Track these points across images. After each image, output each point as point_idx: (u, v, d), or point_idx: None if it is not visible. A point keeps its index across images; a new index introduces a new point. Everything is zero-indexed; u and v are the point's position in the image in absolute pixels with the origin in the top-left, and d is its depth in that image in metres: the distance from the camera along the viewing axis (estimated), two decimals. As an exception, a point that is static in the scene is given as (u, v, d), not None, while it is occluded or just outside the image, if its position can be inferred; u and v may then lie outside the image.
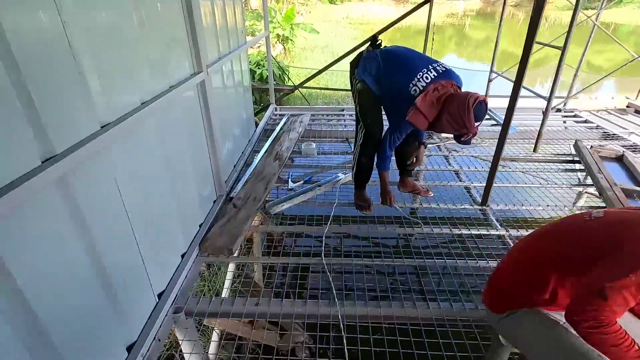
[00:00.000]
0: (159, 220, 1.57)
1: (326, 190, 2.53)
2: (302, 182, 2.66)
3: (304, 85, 4.95)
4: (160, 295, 1.59)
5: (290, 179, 2.67)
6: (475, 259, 1.87)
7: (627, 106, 4.29)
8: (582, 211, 1.19)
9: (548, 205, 2.35)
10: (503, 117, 3.93)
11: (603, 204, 2.32)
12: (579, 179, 2.93)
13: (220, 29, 2.45)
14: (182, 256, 1.83)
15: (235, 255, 1.93)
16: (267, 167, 2.68)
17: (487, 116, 4.16)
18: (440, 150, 3.22)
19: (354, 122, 2.21)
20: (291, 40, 10.99)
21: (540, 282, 1.11)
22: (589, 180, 2.70)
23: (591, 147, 2.98)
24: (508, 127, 2.06)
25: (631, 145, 3.29)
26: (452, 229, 2.11)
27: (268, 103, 4.45)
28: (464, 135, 1.73)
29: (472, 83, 6.20)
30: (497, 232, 2.10)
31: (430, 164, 2.92)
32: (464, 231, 2.10)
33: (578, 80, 4.18)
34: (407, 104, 1.75)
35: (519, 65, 1.88)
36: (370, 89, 1.97)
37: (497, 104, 4.54)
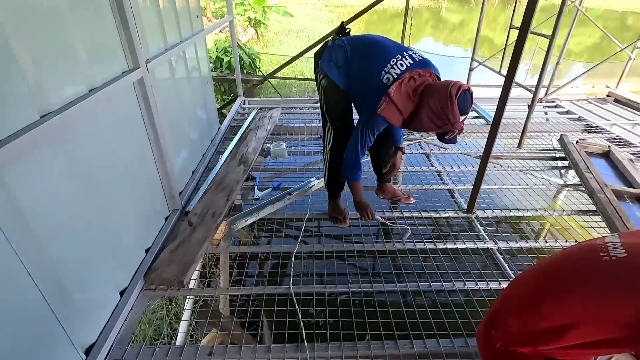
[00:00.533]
0: (83, 253, 1.26)
1: (298, 199, 2.26)
2: (269, 190, 2.38)
3: (275, 75, 4.58)
4: (88, 351, 1.29)
5: (256, 187, 2.38)
6: (462, 280, 1.66)
7: (607, 95, 4.20)
8: (594, 239, 0.97)
9: (537, 211, 2.18)
10: (485, 108, 3.78)
11: (593, 207, 2.17)
12: (560, 174, 2.79)
13: (167, 15, 2.08)
14: (122, 293, 1.52)
15: (190, 286, 1.65)
16: (230, 174, 2.37)
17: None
18: (421, 147, 3.00)
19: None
20: (264, 24, 10.44)
21: (552, 333, 0.91)
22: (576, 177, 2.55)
23: (577, 142, 2.83)
24: (498, 127, 1.83)
25: (614, 138, 3.18)
26: (437, 243, 1.90)
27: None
28: (448, 133, 1.47)
29: (451, 71, 6.01)
30: (485, 245, 1.91)
31: (411, 165, 2.69)
32: (449, 245, 1.89)
33: (560, 69, 4.04)
34: (378, 94, 1.50)
35: (511, 59, 1.64)
36: (337, 85, 1.69)
37: (479, 93, 4.37)
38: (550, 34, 2.56)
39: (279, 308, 1.53)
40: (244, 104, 3.98)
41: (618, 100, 4.10)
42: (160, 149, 1.85)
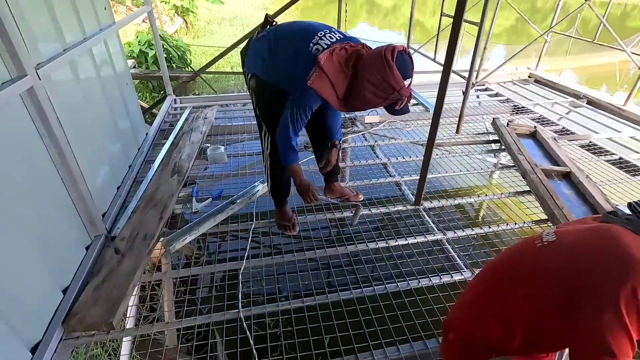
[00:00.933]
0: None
1: (242, 207, 2.09)
2: (210, 200, 2.18)
3: (207, 69, 4.25)
4: None
5: (194, 198, 2.16)
6: (416, 278, 1.65)
7: (529, 76, 4.52)
8: (532, 235, 0.98)
9: (479, 196, 2.25)
10: (422, 94, 3.86)
11: (527, 187, 2.29)
12: (495, 156, 2.94)
13: (62, 10, 1.75)
14: (34, 349, 1.27)
15: (122, 326, 1.44)
16: (162, 187, 2.12)
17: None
18: (365, 139, 2.96)
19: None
20: (192, 12, 9.74)
21: (505, 327, 0.90)
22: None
23: (507, 124, 2.98)
24: (439, 115, 1.82)
25: (539, 118, 3.41)
26: (389, 241, 1.87)
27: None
28: (397, 103, 1.36)
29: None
30: (435, 237, 1.92)
31: (357, 159, 2.64)
32: (401, 241, 1.87)
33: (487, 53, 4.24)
34: (307, 65, 1.35)
35: (447, 49, 1.62)
36: (266, 81, 1.55)
37: (416, 79, 4.45)
38: (479, 20, 2.62)
39: (228, 338, 1.39)
40: (175, 103, 3.64)
41: (538, 81, 4.43)
42: (68, 168, 1.57)
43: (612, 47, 3.82)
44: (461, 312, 1.04)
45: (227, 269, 1.71)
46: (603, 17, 3.66)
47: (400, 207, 2.13)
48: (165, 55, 4.43)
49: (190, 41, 8.34)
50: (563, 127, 3.18)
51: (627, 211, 0.82)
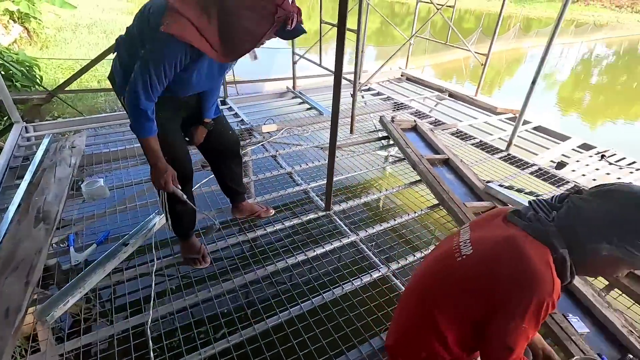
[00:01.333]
0: None
1: (137, 247, 1.81)
2: (94, 246, 1.83)
3: (67, 87, 3.57)
4: None
5: (71, 248, 1.78)
6: (340, 285, 1.66)
7: (402, 75, 5.06)
8: (451, 237, 1.05)
9: (381, 192, 2.40)
10: (314, 98, 3.97)
11: (418, 177, 2.54)
12: (387, 151, 3.20)
13: None
14: None
15: None
16: (24, 242, 1.69)
17: (299, 99, 4.12)
18: (266, 150, 2.89)
19: None
20: (35, 18, 8.14)
21: (442, 342, 0.94)
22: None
23: (392, 120, 3.27)
24: (337, 120, 1.86)
25: (415, 112, 3.84)
26: (307, 252, 1.84)
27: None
28: (287, 22, 1.15)
29: (275, 64, 6.10)
30: (350, 240, 1.97)
31: (260, 171, 2.56)
32: (319, 250, 1.87)
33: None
34: (156, 15, 1.13)
35: (336, 55, 1.66)
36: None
37: (304, 84, 4.56)
38: (356, 27, 2.79)
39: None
40: (26, 132, 2.97)
41: (409, 79, 5.00)
42: None
43: (459, 47, 4.54)
44: (402, 335, 1.05)
45: (131, 325, 1.45)
46: (450, 21, 4.32)
47: (312, 215, 2.13)
48: (2, 73, 3.58)
49: (37, 53, 6.97)
50: (435, 119, 3.64)
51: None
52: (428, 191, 2.40)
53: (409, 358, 1.02)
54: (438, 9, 4.11)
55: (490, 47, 3.95)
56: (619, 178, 2.73)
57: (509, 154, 2.98)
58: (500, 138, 3.33)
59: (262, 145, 2.95)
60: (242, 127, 3.20)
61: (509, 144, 3.04)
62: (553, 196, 0.91)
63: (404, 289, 1.64)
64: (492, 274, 0.86)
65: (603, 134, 6.29)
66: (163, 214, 1.87)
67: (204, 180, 2.32)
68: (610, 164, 2.93)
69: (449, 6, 4.44)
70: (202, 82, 1.38)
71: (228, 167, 1.84)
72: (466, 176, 2.49)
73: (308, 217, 2.12)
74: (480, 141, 3.20)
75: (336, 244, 1.92)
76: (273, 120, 3.26)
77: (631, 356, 1.37)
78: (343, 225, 2.07)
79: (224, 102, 3.85)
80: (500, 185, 2.38)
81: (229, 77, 4.09)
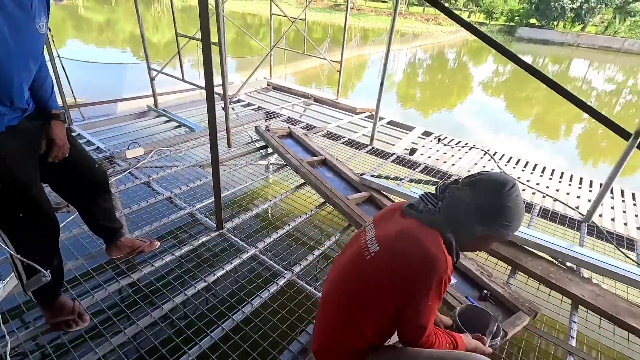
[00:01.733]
0: None
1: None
2: None
3: None
4: None
5: None
6: (249, 302, 1.62)
7: (268, 84, 5.19)
8: (358, 234, 1.13)
9: (270, 201, 2.43)
10: (181, 115, 3.72)
11: (302, 180, 2.67)
12: (268, 160, 3.26)
13: None
14: None
15: None
16: None
17: (164, 118, 3.79)
18: (135, 177, 2.57)
19: None
20: None
21: (358, 335, 1.02)
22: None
23: (267, 129, 3.33)
24: (216, 135, 1.82)
25: (287, 119, 4.01)
26: (206, 278, 1.73)
27: None
28: None
29: (127, 81, 5.42)
30: (250, 253, 1.93)
31: (133, 202, 2.27)
32: (219, 272, 1.78)
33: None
34: None
35: (204, 70, 1.62)
36: None
37: (165, 99, 4.22)
38: (217, 40, 2.75)
39: None
40: None
41: (275, 87, 5.17)
42: None
43: (315, 56, 4.94)
44: (326, 339, 1.08)
45: None
46: (304, 32, 4.65)
47: (204, 238, 2.01)
48: None
49: None
50: (307, 124, 3.87)
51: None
52: (313, 192, 2.54)
53: (340, 357, 1.06)
54: (292, 22, 4.37)
55: (342, 55, 4.43)
56: (452, 156, 3.43)
57: (373, 147, 3.40)
58: (363, 134, 3.78)
59: (129, 172, 2.61)
60: (100, 155, 2.77)
61: (372, 138, 3.48)
62: (437, 187, 1.04)
63: (312, 290, 1.73)
64: (399, 266, 0.95)
65: (435, 121, 7.78)
66: (10, 277, 1.50)
67: (63, 223, 1.93)
68: (445, 145, 3.67)
69: (301, 19, 4.78)
70: (10, 48, 1.00)
71: (99, 206, 1.58)
72: (343, 172, 2.74)
73: (200, 241, 1.99)
74: (349, 139, 3.56)
75: (236, 261, 1.86)
76: (138, 144, 2.92)
77: (485, 291, 1.75)
78: (239, 241, 2.02)
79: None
80: (372, 176, 2.70)
81: (69, 99, 3.46)
